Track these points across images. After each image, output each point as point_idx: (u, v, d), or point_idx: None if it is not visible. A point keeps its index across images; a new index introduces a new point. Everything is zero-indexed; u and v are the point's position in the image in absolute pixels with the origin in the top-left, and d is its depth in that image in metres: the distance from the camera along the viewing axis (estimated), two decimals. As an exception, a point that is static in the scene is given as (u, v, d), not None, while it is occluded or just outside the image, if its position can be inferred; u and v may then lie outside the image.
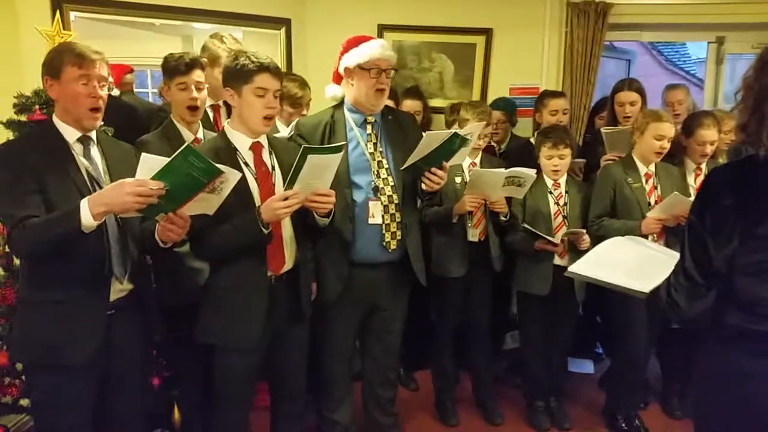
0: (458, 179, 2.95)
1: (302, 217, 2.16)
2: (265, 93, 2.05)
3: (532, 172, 2.77)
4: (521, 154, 3.32)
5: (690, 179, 3.03)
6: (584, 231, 2.85)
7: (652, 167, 2.92)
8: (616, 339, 3.09)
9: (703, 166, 3.04)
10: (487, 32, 4.18)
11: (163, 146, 2.19)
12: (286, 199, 1.98)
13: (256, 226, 2.00)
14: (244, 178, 2.03)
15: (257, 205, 2.05)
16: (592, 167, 3.31)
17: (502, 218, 2.91)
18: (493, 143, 3.61)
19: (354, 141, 2.41)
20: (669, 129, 2.83)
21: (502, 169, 2.75)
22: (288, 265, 2.17)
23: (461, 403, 3.30)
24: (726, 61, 4.43)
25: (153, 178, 1.69)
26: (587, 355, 3.94)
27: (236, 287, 2.09)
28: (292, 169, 1.95)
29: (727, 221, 1.49)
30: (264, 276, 2.10)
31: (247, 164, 2.10)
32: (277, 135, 2.59)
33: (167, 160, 1.69)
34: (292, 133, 2.54)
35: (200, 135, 2.44)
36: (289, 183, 1.98)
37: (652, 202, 2.86)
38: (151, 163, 1.70)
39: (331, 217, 2.18)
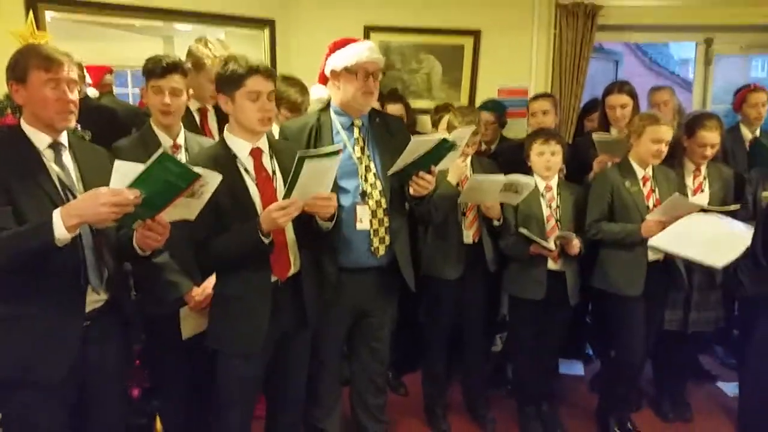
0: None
1: (303, 222, 2.11)
2: (259, 95, 2.01)
3: (530, 180, 2.75)
4: (513, 155, 3.28)
5: (689, 180, 3.01)
6: (573, 235, 2.82)
7: (650, 170, 2.88)
8: (614, 340, 3.06)
9: (703, 168, 3.01)
10: (475, 33, 4.15)
11: (139, 152, 2.11)
12: (284, 208, 1.93)
13: (255, 236, 1.96)
14: (244, 185, 2.00)
15: (259, 211, 2.01)
16: (583, 169, 3.28)
17: (495, 223, 2.89)
18: (483, 144, 3.57)
19: (341, 144, 2.34)
20: (667, 132, 2.79)
21: (501, 176, 2.73)
22: (294, 269, 2.14)
23: (451, 409, 3.26)
24: (714, 62, 4.44)
25: (129, 186, 1.62)
26: (577, 357, 3.92)
27: (241, 294, 2.06)
28: (290, 177, 1.91)
29: None
30: (268, 281, 2.07)
31: (247, 170, 2.06)
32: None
33: (143, 167, 1.62)
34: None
35: (180, 140, 2.36)
36: (287, 191, 1.94)
37: (650, 205, 2.82)
38: (126, 171, 1.64)
39: (334, 221, 2.14)
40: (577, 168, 3.26)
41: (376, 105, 3.33)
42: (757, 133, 3.63)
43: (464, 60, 4.18)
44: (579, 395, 3.50)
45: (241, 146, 2.07)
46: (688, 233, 2.17)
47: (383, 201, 2.34)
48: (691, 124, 2.98)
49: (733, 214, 2.74)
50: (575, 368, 3.84)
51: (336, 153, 1.97)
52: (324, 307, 2.36)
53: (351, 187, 2.32)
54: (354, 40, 2.34)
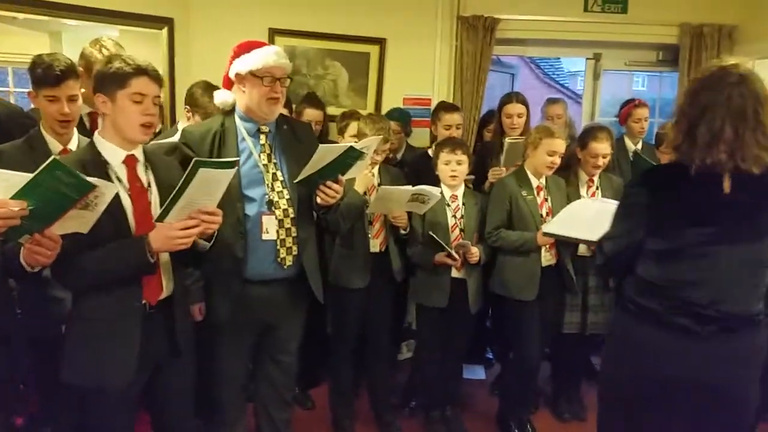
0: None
1: None
2: (143, 99, 1.87)
3: (437, 191, 2.79)
4: (419, 164, 3.32)
5: (583, 191, 3.16)
6: (469, 243, 2.89)
7: (543, 180, 3.02)
8: (511, 343, 3.17)
9: (596, 178, 3.18)
10: (380, 42, 4.18)
11: (25, 158, 1.93)
12: (188, 227, 1.80)
13: (142, 255, 1.79)
14: (116, 196, 1.81)
15: (131, 224, 1.86)
16: (481, 178, 3.39)
17: (402, 232, 2.91)
18: (389, 153, 3.59)
19: (246, 152, 2.26)
20: (561, 145, 2.94)
21: (409, 187, 2.75)
22: (165, 292, 1.97)
23: (359, 419, 3.23)
24: (602, 76, 4.73)
25: (14, 197, 1.47)
26: (478, 361, 4.03)
27: (106, 318, 1.86)
28: (180, 181, 1.77)
29: (637, 214, 1.77)
30: (138, 305, 1.89)
31: (119, 179, 1.89)
32: (166, 140, 2.40)
33: (30, 176, 1.47)
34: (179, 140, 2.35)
35: (72, 146, 2.19)
36: (175, 196, 1.79)
37: (544, 213, 2.96)
38: (10, 180, 1.48)
39: (212, 241, 2.00)
40: (476, 178, 3.36)
41: (284, 111, 3.29)
42: (640, 145, 3.91)
43: (370, 67, 4.20)
44: (481, 399, 3.59)
45: (113, 153, 1.89)
46: (574, 217, 2.41)
47: (291, 210, 2.27)
48: (584, 136, 3.15)
49: None
50: (477, 372, 3.94)
51: (232, 165, 1.87)
52: (227, 322, 2.26)
53: (257, 196, 2.23)
54: (260, 44, 2.26)
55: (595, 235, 2.01)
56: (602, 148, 3.06)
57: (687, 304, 1.72)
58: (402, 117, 3.89)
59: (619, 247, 1.85)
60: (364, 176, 2.76)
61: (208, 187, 1.83)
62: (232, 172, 1.88)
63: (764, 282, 1.75)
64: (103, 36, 2.70)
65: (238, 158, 2.01)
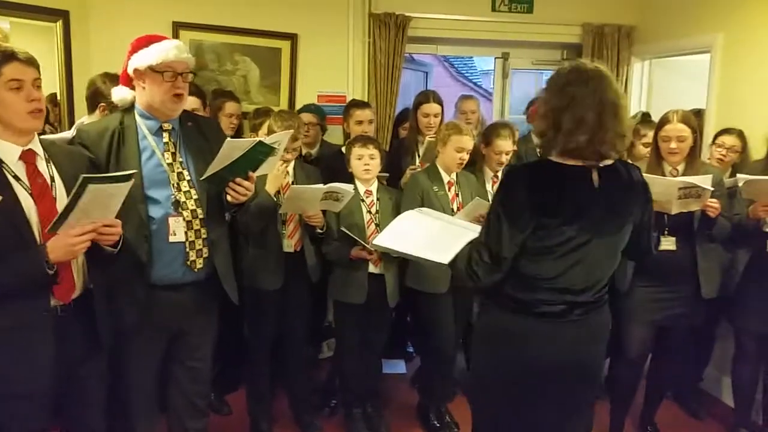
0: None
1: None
2: (21, 84, 1.74)
3: (350, 188, 2.79)
4: (334, 161, 3.30)
5: (488, 186, 3.25)
6: None
7: (454, 176, 3.07)
8: (426, 335, 3.21)
9: (500, 173, 3.26)
10: (292, 37, 4.11)
11: None
12: (85, 233, 1.71)
13: (38, 268, 1.69)
14: (14, 197, 1.71)
15: (35, 228, 1.74)
16: (398, 175, 3.41)
17: (318, 230, 2.88)
18: (304, 147, 3.55)
19: (148, 151, 2.14)
20: (468, 142, 3.00)
21: (321, 185, 2.72)
22: (78, 290, 1.88)
23: (278, 422, 3.18)
24: (511, 75, 4.87)
25: None
26: (399, 355, 4.05)
27: (12, 324, 1.74)
28: (69, 199, 1.66)
29: (522, 214, 1.77)
30: (47, 307, 1.79)
31: (18, 178, 1.76)
32: (59, 135, 2.25)
33: None
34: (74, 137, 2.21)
35: None
36: (61, 216, 1.68)
37: (455, 208, 3.01)
38: None
39: (119, 246, 1.90)
40: (392, 174, 3.38)
41: (197, 104, 3.18)
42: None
43: (282, 63, 4.12)
44: (402, 393, 3.62)
45: (7, 150, 1.76)
46: (409, 231, 2.09)
47: (199, 211, 2.18)
48: (488, 134, 3.24)
49: None
50: (398, 367, 3.98)
51: (127, 178, 1.78)
52: (134, 329, 2.14)
53: (162, 197, 2.12)
54: (159, 37, 2.15)
55: (436, 255, 1.93)
56: (505, 144, 3.16)
57: (561, 293, 1.83)
58: (318, 111, 3.86)
59: (511, 253, 1.81)
60: (274, 176, 2.71)
61: (101, 201, 1.74)
62: (127, 185, 1.79)
63: (616, 265, 1.94)
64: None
65: (134, 171, 1.88)
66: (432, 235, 2.04)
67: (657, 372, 3.08)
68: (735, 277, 2.94)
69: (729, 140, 3.37)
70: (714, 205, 2.68)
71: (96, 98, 2.69)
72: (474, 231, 1.97)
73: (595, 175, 1.80)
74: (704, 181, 2.62)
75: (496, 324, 1.94)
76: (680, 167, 2.79)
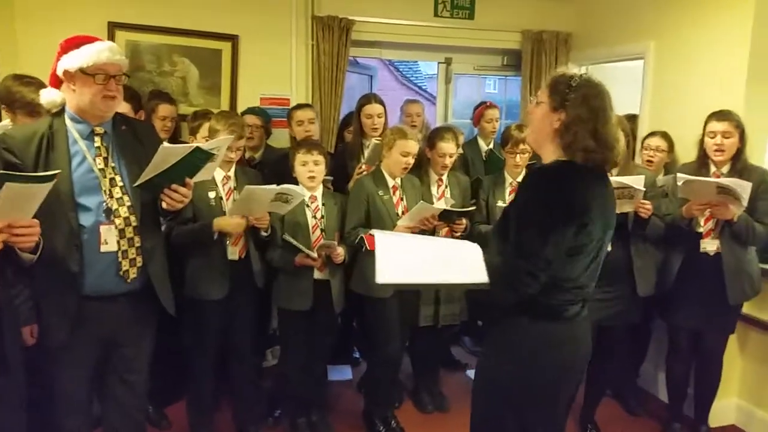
0: (212, 194, 2.77)
1: None
2: None
3: (302, 190, 2.76)
4: (279, 165, 3.25)
5: (433, 189, 3.28)
6: (335, 243, 2.88)
7: (399, 180, 3.08)
8: (374, 341, 3.19)
9: (444, 177, 3.29)
10: (233, 39, 4.03)
11: None
12: None
13: None
14: None
15: None
16: (344, 178, 3.39)
17: (263, 234, 2.83)
18: (248, 151, 3.49)
19: (79, 156, 2.05)
20: (414, 146, 3.02)
21: (274, 186, 2.67)
22: None
23: (220, 433, 3.10)
24: (454, 80, 4.92)
25: None
26: (345, 361, 4.03)
27: None
28: None
29: (569, 214, 1.71)
30: None
31: None
32: None
33: None
34: None
35: None
36: None
37: (400, 212, 3.02)
38: None
39: (39, 253, 1.81)
40: (338, 177, 3.36)
41: (127, 107, 3.06)
42: (492, 144, 4.12)
43: (223, 65, 4.04)
44: (348, 399, 3.59)
45: None
46: (408, 258, 1.75)
47: (133, 218, 2.09)
48: (432, 137, 3.28)
49: (470, 214, 3.16)
50: (344, 373, 3.94)
51: (49, 179, 1.69)
52: (64, 344, 2.05)
53: (93, 204, 2.03)
54: (91, 38, 2.06)
55: (466, 275, 1.73)
56: (449, 147, 3.19)
57: (579, 291, 1.83)
58: (262, 113, 3.80)
59: (558, 256, 1.73)
60: (233, 224, 2.70)
61: (19, 201, 1.65)
62: (47, 186, 1.69)
63: None
64: None
65: (57, 171, 1.78)
66: (433, 255, 1.78)
67: (597, 371, 3.17)
68: (669, 275, 3.04)
69: (654, 142, 3.52)
70: (646, 205, 2.79)
71: (7, 101, 2.53)
72: (464, 242, 1.86)
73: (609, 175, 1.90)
74: (636, 182, 2.71)
75: (527, 335, 1.82)
76: (614, 170, 2.87)
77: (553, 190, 1.74)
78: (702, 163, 2.99)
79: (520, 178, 3.27)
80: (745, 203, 2.69)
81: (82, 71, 1.99)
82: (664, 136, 3.53)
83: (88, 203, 2.02)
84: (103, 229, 2.03)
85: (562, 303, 1.81)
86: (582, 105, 1.75)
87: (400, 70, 13.48)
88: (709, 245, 2.94)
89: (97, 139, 2.09)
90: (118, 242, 2.05)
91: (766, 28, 3.21)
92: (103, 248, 2.04)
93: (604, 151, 1.76)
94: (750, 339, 3.29)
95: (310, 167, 2.93)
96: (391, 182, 3.06)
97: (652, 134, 3.58)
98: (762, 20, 3.20)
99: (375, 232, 1.93)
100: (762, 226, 2.85)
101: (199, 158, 2.07)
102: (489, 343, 1.98)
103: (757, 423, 3.31)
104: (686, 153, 3.46)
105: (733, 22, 3.30)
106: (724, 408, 3.35)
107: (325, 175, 3.07)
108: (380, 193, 3.01)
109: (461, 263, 1.76)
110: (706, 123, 2.97)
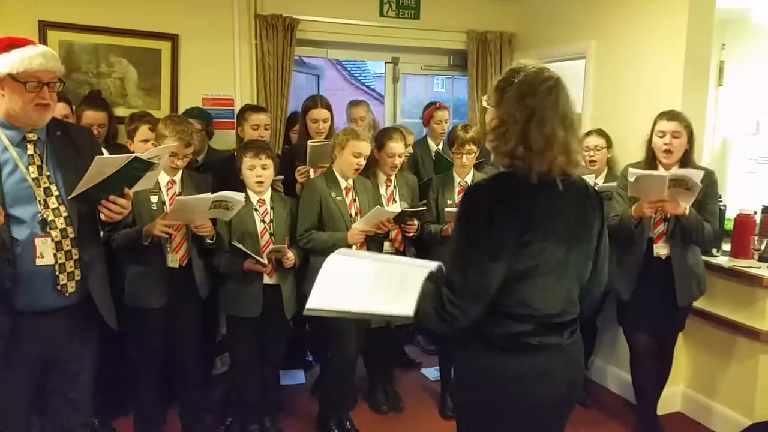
0: (154, 198, 2.69)
1: None
2: None
3: (240, 197, 2.69)
4: (224, 168, 3.17)
5: (382, 189, 3.28)
6: (285, 247, 2.84)
7: (351, 181, 3.06)
8: (326, 343, 3.16)
9: (393, 177, 3.28)
10: (173, 38, 3.92)
11: None
12: None
13: None
14: None
15: None
16: (292, 180, 3.34)
17: (208, 241, 2.76)
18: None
19: (10, 164, 1.93)
20: (366, 147, 3.01)
21: (209, 194, 2.61)
22: None
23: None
24: (402, 80, 4.92)
25: None
26: (298, 365, 3.97)
27: None
28: None
29: (504, 232, 1.52)
30: None
31: None
32: None
33: None
34: None
35: None
36: None
37: (353, 213, 3.01)
38: None
39: None
40: (287, 179, 3.31)
41: (64, 110, 2.93)
42: (441, 145, 4.13)
43: (162, 65, 3.92)
44: (301, 403, 3.55)
45: None
46: (343, 283, 1.62)
47: (70, 230, 1.98)
48: (380, 138, 3.27)
49: (421, 214, 3.17)
50: (297, 377, 3.89)
51: None
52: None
53: (27, 216, 1.92)
54: (23, 41, 1.94)
55: (391, 306, 1.55)
56: (398, 147, 3.20)
57: (546, 318, 1.61)
58: (202, 116, 3.68)
59: (496, 279, 1.54)
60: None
61: None
62: None
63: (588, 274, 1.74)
64: None
65: None
66: (373, 281, 1.61)
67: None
68: (629, 283, 2.99)
69: (592, 141, 3.57)
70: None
71: None
72: (420, 267, 1.64)
73: (559, 184, 1.58)
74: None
75: (482, 365, 1.64)
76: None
77: (473, 217, 1.55)
78: (650, 165, 2.93)
79: (468, 178, 3.30)
80: (696, 191, 2.65)
81: (11, 77, 1.88)
82: (600, 133, 3.59)
83: (21, 215, 1.91)
84: (38, 241, 1.93)
85: (523, 332, 1.59)
86: (515, 102, 1.54)
87: (348, 69, 13.44)
88: (662, 249, 2.93)
89: (29, 146, 1.97)
90: (55, 255, 1.95)
91: (701, 28, 3.33)
92: (39, 262, 1.93)
93: (531, 157, 1.52)
94: (696, 330, 3.36)
95: (258, 172, 2.87)
96: (343, 183, 3.03)
97: (587, 134, 3.60)
98: (696, 20, 3.31)
99: (334, 253, 1.74)
100: (710, 225, 2.86)
101: (138, 168, 1.98)
102: (455, 368, 1.83)
103: (702, 410, 3.42)
104: (626, 151, 3.56)
105: (669, 21, 3.40)
106: (671, 396, 3.45)
107: (274, 176, 3.02)
108: (333, 194, 2.98)
109: (396, 292, 1.57)
110: (655, 122, 2.92)
